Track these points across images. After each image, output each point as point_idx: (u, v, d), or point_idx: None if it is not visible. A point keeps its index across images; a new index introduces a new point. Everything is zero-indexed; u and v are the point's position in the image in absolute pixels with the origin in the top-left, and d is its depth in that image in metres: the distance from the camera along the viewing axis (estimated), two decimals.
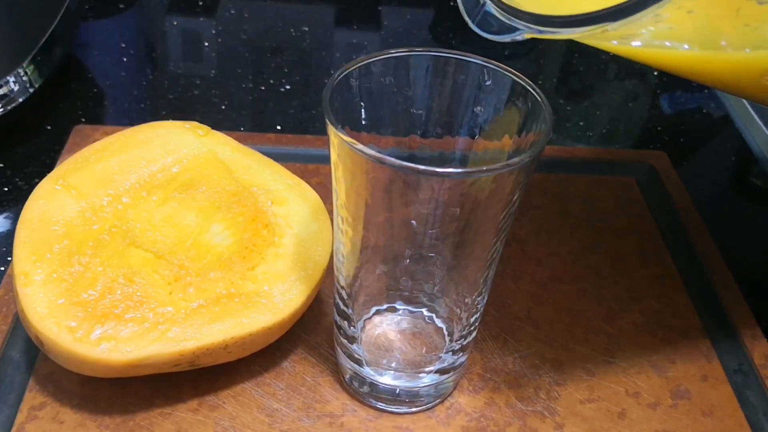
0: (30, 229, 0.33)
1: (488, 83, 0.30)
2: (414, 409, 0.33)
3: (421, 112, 0.31)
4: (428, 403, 0.34)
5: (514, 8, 0.26)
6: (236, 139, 0.39)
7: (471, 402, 0.34)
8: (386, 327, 0.34)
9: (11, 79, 0.45)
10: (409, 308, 0.33)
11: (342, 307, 0.32)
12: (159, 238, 0.34)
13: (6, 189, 0.44)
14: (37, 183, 0.34)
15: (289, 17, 0.63)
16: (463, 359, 0.33)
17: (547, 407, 0.34)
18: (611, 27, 0.23)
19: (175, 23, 0.61)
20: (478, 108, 0.31)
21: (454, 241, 0.29)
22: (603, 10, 0.23)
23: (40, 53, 0.47)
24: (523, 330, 0.37)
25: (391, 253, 0.30)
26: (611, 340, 0.37)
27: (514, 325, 0.38)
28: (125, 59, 0.57)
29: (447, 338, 0.33)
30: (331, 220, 0.34)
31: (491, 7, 0.27)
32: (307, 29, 0.62)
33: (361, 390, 0.33)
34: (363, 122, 0.30)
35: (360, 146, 0.25)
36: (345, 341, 0.33)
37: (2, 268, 0.39)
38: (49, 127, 0.49)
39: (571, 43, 0.63)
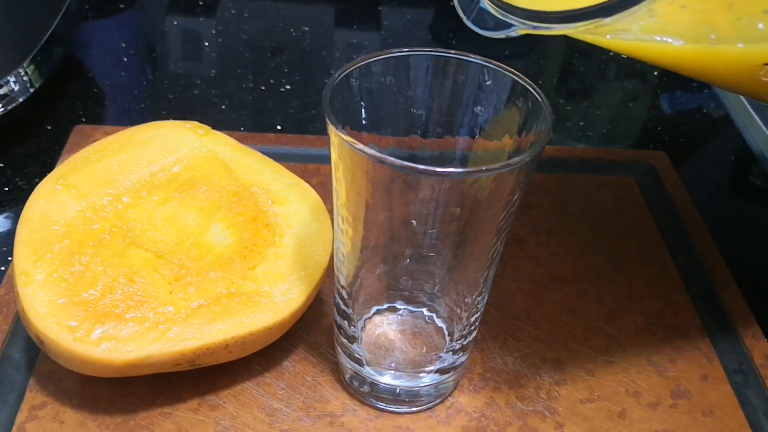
0: (30, 228, 0.33)
1: (488, 83, 0.30)
2: (414, 409, 0.33)
3: (421, 111, 0.31)
4: (428, 403, 0.34)
5: (508, 4, 0.27)
6: (236, 138, 0.39)
7: (471, 402, 0.34)
8: (386, 327, 0.34)
9: (11, 78, 0.45)
10: (410, 308, 0.33)
11: (342, 306, 0.32)
12: (159, 238, 0.34)
13: (6, 189, 0.44)
14: (37, 183, 0.34)
15: (289, 17, 0.63)
16: (463, 359, 0.33)
17: (547, 407, 0.34)
18: (605, 22, 0.23)
19: (175, 23, 0.61)
20: (479, 108, 0.31)
21: (454, 240, 0.29)
22: (597, 5, 0.24)
23: (40, 53, 0.47)
24: (523, 330, 0.37)
25: (391, 253, 0.30)
26: (611, 340, 0.37)
27: (514, 324, 0.38)
28: (125, 59, 0.57)
29: (447, 338, 0.33)
30: (332, 219, 0.34)
31: (486, 4, 0.27)
32: (307, 29, 0.62)
33: (361, 390, 0.33)
34: (363, 122, 0.30)
35: (360, 146, 0.25)
36: (345, 341, 0.33)
37: (3, 268, 0.39)
38: (49, 127, 0.49)
39: (571, 43, 0.63)
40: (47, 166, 0.46)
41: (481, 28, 0.28)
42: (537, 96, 0.28)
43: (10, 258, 0.39)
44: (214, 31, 0.61)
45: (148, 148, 0.37)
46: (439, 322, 0.33)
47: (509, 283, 0.40)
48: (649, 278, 0.41)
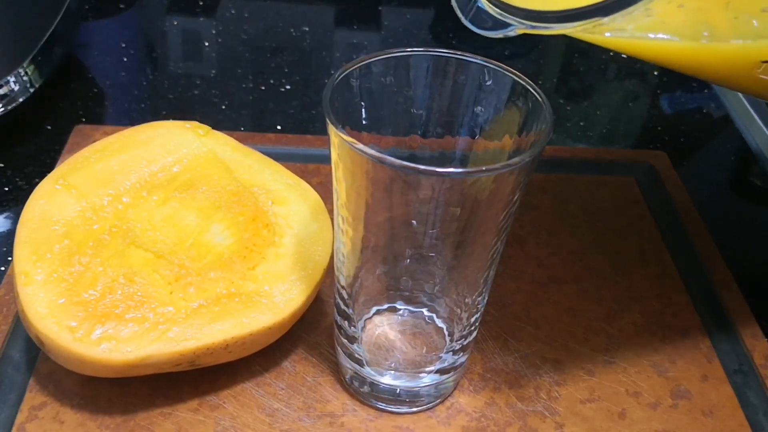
0: (30, 228, 0.33)
1: (488, 83, 0.30)
2: (414, 409, 0.33)
3: (421, 112, 0.31)
4: (429, 403, 0.34)
5: (506, 4, 0.27)
6: (236, 138, 0.39)
7: (471, 402, 0.34)
8: (387, 327, 0.34)
9: (11, 78, 0.45)
10: (410, 308, 0.33)
11: (342, 306, 0.32)
12: (159, 238, 0.34)
13: (6, 189, 0.44)
14: (37, 183, 0.34)
15: (289, 17, 0.63)
16: (463, 359, 0.33)
17: (547, 407, 0.34)
18: (603, 22, 0.24)
19: (175, 23, 0.61)
20: (479, 108, 0.31)
21: (454, 241, 0.29)
22: (594, 5, 0.24)
23: (40, 53, 0.47)
24: (523, 330, 0.37)
25: (391, 253, 0.30)
26: (611, 340, 0.37)
27: (514, 325, 0.38)
28: (125, 59, 0.57)
29: (447, 338, 0.33)
30: (332, 219, 0.34)
31: (483, 3, 0.27)
32: (307, 29, 0.62)
33: (361, 390, 0.33)
34: (363, 122, 0.30)
35: (360, 146, 0.25)
36: (345, 341, 0.33)
37: (3, 268, 0.39)
38: (49, 127, 0.49)
39: (571, 43, 0.63)
40: (47, 166, 0.46)
41: (479, 27, 0.28)
42: (537, 96, 0.28)
43: (10, 258, 0.39)
44: (214, 31, 0.61)
45: (148, 148, 0.37)
46: (439, 323, 0.33)
47: (509, 283, 0.40)
48: (649, 278, 0.41)
